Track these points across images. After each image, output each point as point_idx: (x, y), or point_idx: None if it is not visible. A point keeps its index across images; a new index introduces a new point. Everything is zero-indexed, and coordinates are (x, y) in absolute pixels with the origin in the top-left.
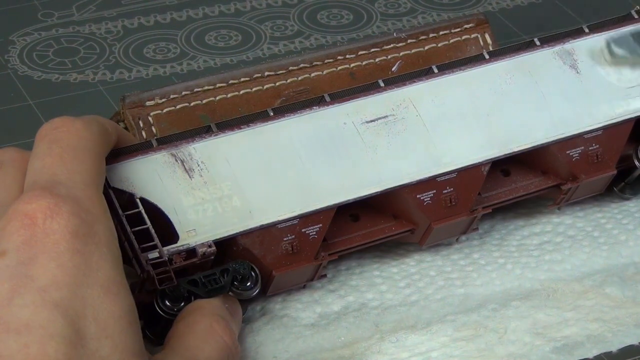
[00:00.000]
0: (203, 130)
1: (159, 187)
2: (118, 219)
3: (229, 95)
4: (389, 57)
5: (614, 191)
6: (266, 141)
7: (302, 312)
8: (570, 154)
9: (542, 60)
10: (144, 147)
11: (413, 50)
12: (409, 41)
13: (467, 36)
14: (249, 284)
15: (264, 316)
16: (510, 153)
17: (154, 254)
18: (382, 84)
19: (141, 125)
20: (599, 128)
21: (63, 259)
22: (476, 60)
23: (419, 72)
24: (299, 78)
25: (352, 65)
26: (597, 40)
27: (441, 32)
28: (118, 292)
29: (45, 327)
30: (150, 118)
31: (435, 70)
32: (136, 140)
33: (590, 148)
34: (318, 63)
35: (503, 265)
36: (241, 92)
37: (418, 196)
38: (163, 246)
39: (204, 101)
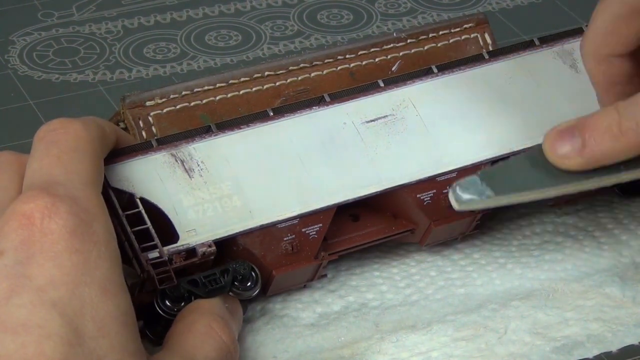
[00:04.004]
0: (203, 130)
1: (159, 187)
2: (118, 219)
3: (229, 95)
4: (389, 57)
5: (615, 191)
6: (266, 141)
7: (302, 312)
8: None
9: (542, 60)
10: (144, 147)
11: (413, 50)
12: (409, 41)
13: (467, 36)
14: (249, 284)
15: (264, 316)
16: (510, 153)
17: (154, 254)
18: (382, 84)
19: (141, 125)
20: None
21: (61, 259)
22: (476, 60)
23: (419, 72)
24: (299, 78)
25: (352, 65)
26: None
27: (441, 32)
28: (116, 292)
29: (42, 326)
30: (150, 118)
31: (435, 70)
32: (135, 141)
33: None
34: (318, 63)
35: (503, 265)
36: (241, 92)
37: (418, 196)
38: (163, 246)
39: (204, 101)
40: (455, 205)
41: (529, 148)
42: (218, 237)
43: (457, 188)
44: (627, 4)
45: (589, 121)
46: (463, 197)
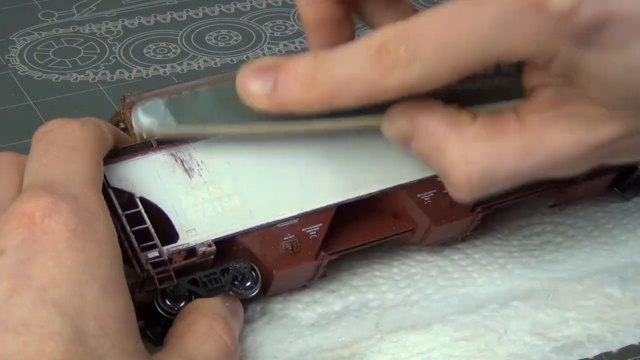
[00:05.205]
0: None
1: (159, 187)
2: (118, 219)
3: None
4: None
5: (615, 191)
6: (266, 141)
7: (302, 312)
8: None
9: None
10: (144, 147)
11: None
12: None
13: None
14: (249, 283)
15: (264, 316)
16: None
17: (153, 254)
18: None
19: None
20: None
21: (62, 257)
22: None
23: None
24: None
25: None
26: None
27: None
28: (117, 291)
29: (43, 326)
30: None
31: None
32: (134, 142)
33: None
34: None
35: (504, 265)
36: None
37: (418, 196)
38: (163, 246)
39: None
40: (135, 127)
41: (222, 78)
42: (218, 236)
43: (139, 110)
44: None
45: (286, 64)
46: (143, 121)
